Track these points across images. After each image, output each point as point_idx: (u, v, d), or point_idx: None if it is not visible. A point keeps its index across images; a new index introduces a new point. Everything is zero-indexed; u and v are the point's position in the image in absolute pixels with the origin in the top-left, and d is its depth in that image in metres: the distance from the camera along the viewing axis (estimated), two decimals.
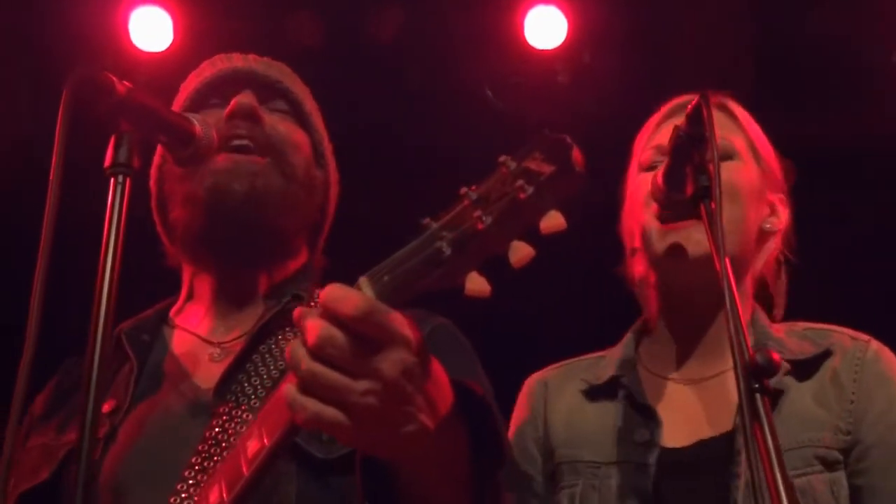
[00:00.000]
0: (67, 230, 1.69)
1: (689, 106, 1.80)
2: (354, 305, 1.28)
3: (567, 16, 4.11)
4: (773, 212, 2.22)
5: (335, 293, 1.30)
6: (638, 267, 2.26)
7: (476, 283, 1.28)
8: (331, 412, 1.30)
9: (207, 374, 1.93)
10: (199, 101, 2.09)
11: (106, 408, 1.85)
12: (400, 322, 1.30)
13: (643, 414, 2.09)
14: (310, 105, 2.21)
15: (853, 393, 2.04)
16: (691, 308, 2.14)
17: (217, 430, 1.80)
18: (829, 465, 1.98)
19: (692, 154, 1.81)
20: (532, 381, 2.32)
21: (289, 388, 1.33)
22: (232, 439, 1.78)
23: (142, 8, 4.00)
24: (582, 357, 2.33)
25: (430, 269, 1.30)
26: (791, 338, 2.15)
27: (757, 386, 1.53)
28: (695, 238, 2.01)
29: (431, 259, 1.29)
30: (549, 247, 1.31)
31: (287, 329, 1.96)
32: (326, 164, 2.19)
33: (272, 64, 2.21)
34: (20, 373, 1.52)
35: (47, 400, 2.06)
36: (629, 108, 4.16)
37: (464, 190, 1.31)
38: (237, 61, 2.16)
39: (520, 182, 1.26)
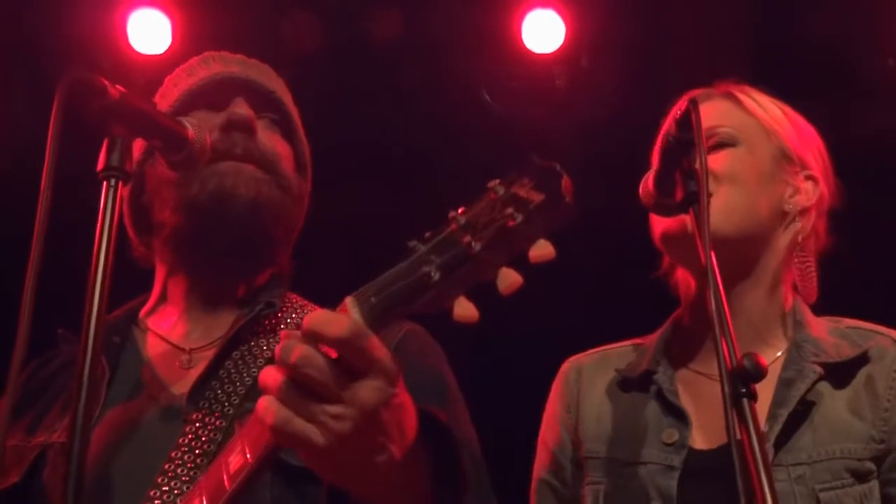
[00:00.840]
0: (59, 233, 1.70)
1: (678, 110, 1.81)
2: (341, 327, 1.30)
3: (565, 20, 4.12)
4: (797, 191, 2.19)
5: (321, 316, 1.32)
6: (665, 259, 2.26)
7: (464, 309, 1.29)
8: (301, 423, 1.32)
9: (179, 381, 1.94)
10: (191, 102, 2.09)
11: None
12: (382, 351, 1.32)
13: (673, 414, 2.09)
14: (295, 114, 2.21)
15: (888, 401, 2.01)
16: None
17: (190, 436, 1.81)
18: (862, 477, 1.95)
19: (681, 159, 1.81)
20: (567, 367, 2.32)
21: (265, 397, 1.35)
22: (206, 446, 1.79)
23: (140, 10, 4.02)
24: (618, 344, 2.33)
25: (417, 293, 1.30)
26: (831, 336, 2.12)
27: (744, 391, 1.52)
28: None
29: (419, 283, 1.30)
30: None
31: (260, 336, 1.98)
32: (307, 173, 2.20)
33: (262, 68, 2.20)
34: (11, 374, 1.52)
35: (15, 401, 2.02)
36: (627, 111, 4.20)
37: (451, 213, 1.32)
38: (232, 66, 2.15)
39: (509, 209, 1.27)
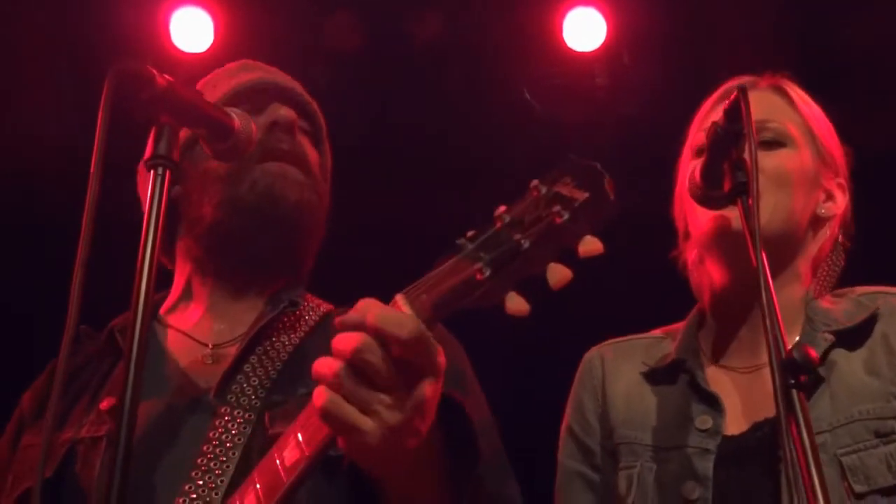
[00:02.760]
0: (107, 224, 1.71)
1: (728, 101, 1.79)
2: (411, 329, 1.36)
3: (606, 17, 4.11)
4: (830, 197, 2.18)
5: (391, 316, 1.37)
6: (690, 252, 2.24)
7: (516, 303, 1.33)
8: (353, 410, 1.38)
9: (205, 376, 1.97)
10: (233, 103, 2.09)
11: (105, 405, 1.87)
12: (439, 351, 1.39)
13: (707, 401, 2.07)
14: (324, 125, 2.27)
15: None
16: (744, 290, 2.10)
17: (220, 430, 1.84)
18: (886, 436, 1.93)
19: (730, 150, 1.79)
20: (589, 356, 2.30)
21: (321, 386, 1.41)
22: (236, 439, 1.82)
23: (183, 9, 4.05)
24: (640, 336, 2.31)
25: (468, 289, 1.34)
26: (841, 304, 2.11)
27: (793, 382, 1.51)
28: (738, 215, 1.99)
29: (470, 280, 1.34)
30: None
31: (281, 333, 2.02)
32: (329, 179, 2.25)
33: (295, 82, 2.27)
34: (59, 364, 1.53)
35: (37, 398, 2.08)
36: (668, 109, 4.16)
37: (497, 212, 1.36)
38: (277, 75, 2.22)
39: (556, 207, 1.31)
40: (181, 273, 2.17)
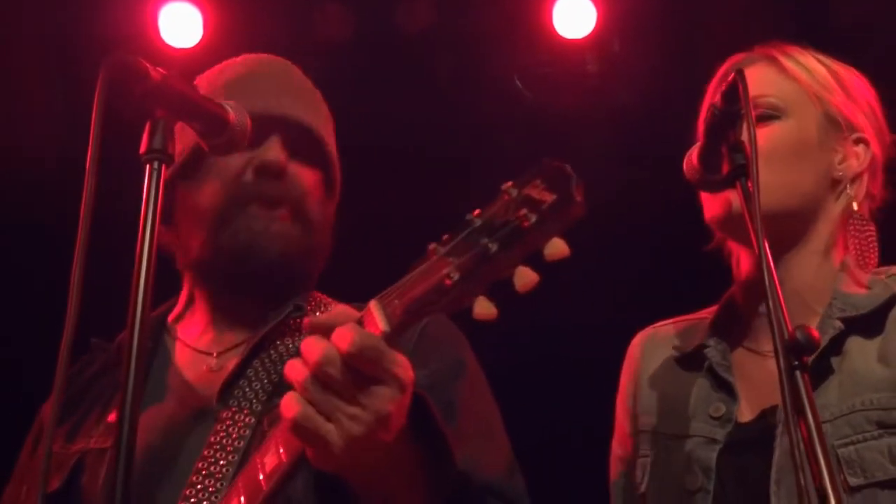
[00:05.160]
0: (102, 221, 1.70)
1: (724, 83, 1.78)
2: (357, 341, 1.39)
3: (596, 4, 4.09)
4: (846, 157, 2.13)
5: (347, 329, 1.41)
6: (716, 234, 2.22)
7: (483, 307, 1.35)
8: (320, 420, 1.42)
9: (209, 384, 1.99)
10: None
11: (112, 417, 1.90)
12: (398, 362, 1.42)
13: (723, 388, 2.06)
14: (327, 133, 2.18)
15: None
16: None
17: (221, 434, 1.86)
18: (890, 428, 1.89)
19: (727, 132, 1.78)
20: (637, 339, 2.32)
21: (289, 393, 1.45)
22: (237, 443, 1.84)
23: (171, 4, 4.03)
24: (684, 318, 2.29)
25: (438, 295, 1.37)
26: (868, 288, 2.05)
27: (797, 363, 1.51)
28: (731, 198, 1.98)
29: (439, 285, 1.36)
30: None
31: (286, 336, 2.02)
32: (335, 192, 2.20)
33: (299, 88, 2.19)
34: (59, 361, 1.52)
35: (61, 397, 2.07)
36: (660, 96, 4.17)
37: (468, 216, 1.37)
38: (270, 98, 2.11)
39: (523, 210, 1.32)
40: (187, 281, 2.18)
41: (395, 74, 4.27)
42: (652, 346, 2.25)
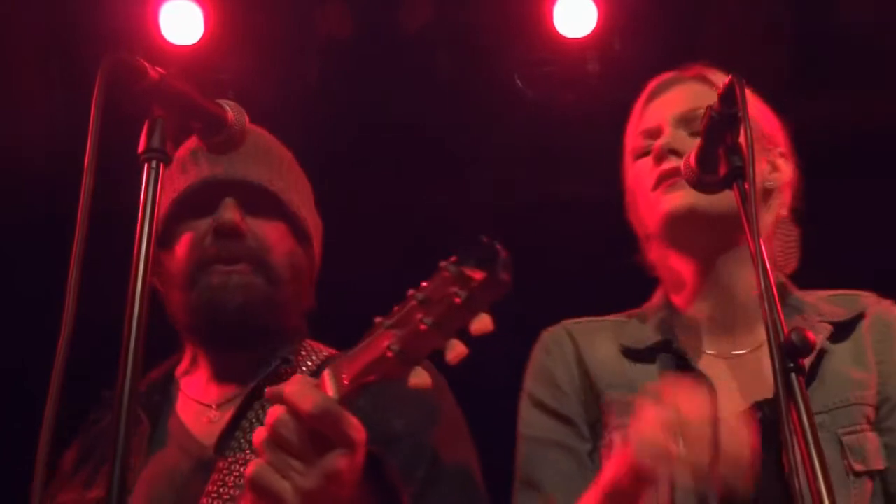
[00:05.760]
0: (100, 222, 1.70)
1: (722, 85, 1.79)
2: (312, 403, 1.50)
3: (597, 3, 4.09)
4: (775, 168, 2.22)
5: (298, 390, 1.53)
6: (654, 252, 2.24)
7: (419, 378, 1.48)
8: (274, 477, 1.52)
9: (208, 434, 2.12)
10: (181, 210, 2.23)
11: None
12: (348, 423, 1.52)
13: (696, 380, 2.06)
14: (287, 188, 2.29)
15: (881, 352, 2.07)
16: (716, 277, 2.12)
17: (218, 484, 1.98)
18: (874, 424, 2.00)
19: (724, 135, 1.79)
20: (552, 332, 2.28)
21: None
22: (232, 491, 1.96)
23: (172, 1, 4.02)
24: (599, 318, 2.30)
25: (380, 365, 1.48)
26: (822, 303, 2.16)
27: (792, 365, 1.52)
28: (689, 193, 2.02)
29: (381, 357, 1.48)
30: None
31: (278, 384, 2.10)
32: (310, 237, 2.32)
33: (256, 147, 2.27)
34: (55, 364, 1.52)
35: (76, 457, 2.23)
36: None
37: (411, 291, 1.47)
38: (218, 166, 2.22)
39: (455, 287, 1.41)
40: (187, 340, 2.33)
41: (396, 72, 4.26)
42: (585, 335, 2.22)
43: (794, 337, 1.53)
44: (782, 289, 2.16)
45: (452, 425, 2.17)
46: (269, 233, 2.22)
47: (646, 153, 2.20)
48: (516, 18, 4.17)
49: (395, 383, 1.87)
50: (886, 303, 2.16)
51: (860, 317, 2.12)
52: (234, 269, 2.16)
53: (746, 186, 1.71)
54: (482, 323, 1.42)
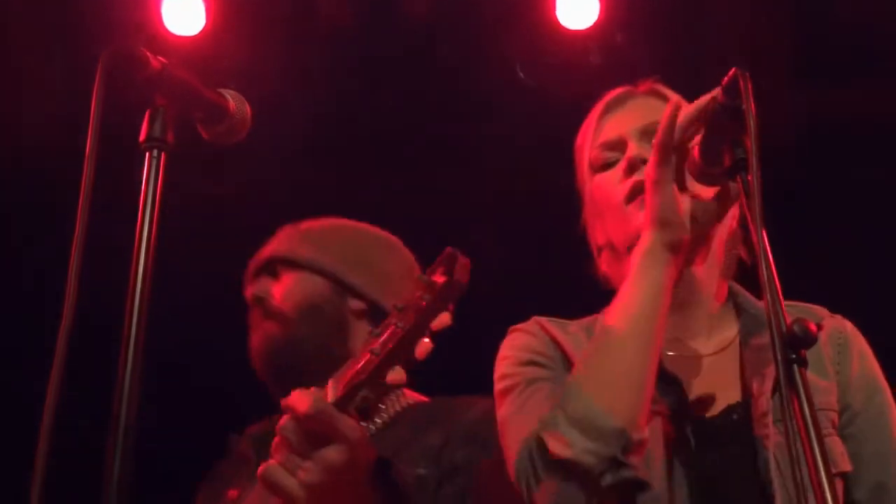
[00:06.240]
0: (102, 210, 1.70)
1: (725, 78, 1.79)
2: (306, 405, 1.69)
3: None
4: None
5: (295, 395, 1.73)
6: (609, 264, 2.21)
7: (395, 375, 1.66)
8: (282, 474, 1.72)
9: None
10: None
11: (233, 494, 2.33)
12: (343, 423, 1.69)
13: (665, 381, 2.02)
14: (318, 251, 2.59)
15: (838, 363, 2.07)
16: (682, 287, 2.07)
17: None
18: (837, 430, 2.02)
19: (728, 126, 1.79)
20: (524, 325, 2.21)
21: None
22: None
23: None
24: (569, 320, 2.25)
25: (367, 370, 1.66)
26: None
27: (794, 356, 1.52)
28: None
29: (367, 365, 1.67)
30: None
31: None
32: (328, 277, 2.57)
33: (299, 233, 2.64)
34: (57, 349, 1.52)
35: (206, 497, 2.52)
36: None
37: (393, 303, 1.70)
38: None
39: (421, 293, 1.64)
40: None
41: (398, 63, 4.26)
42: (559, 326, 2.18)
43: (796, 328, 1.53)
44: (735, 300, 2.15)
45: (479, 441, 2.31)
46: (299, 293, 2.54)
47: (607, 165, 2.18)
48: (518, 10, 4.17)
49: (462, 423, 2.31)
50: (838, 317, 2.15)
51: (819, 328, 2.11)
52: (260, 331, 2.58)
53: (750, 178, 1.69)
54: (440, 320, 1.62)
